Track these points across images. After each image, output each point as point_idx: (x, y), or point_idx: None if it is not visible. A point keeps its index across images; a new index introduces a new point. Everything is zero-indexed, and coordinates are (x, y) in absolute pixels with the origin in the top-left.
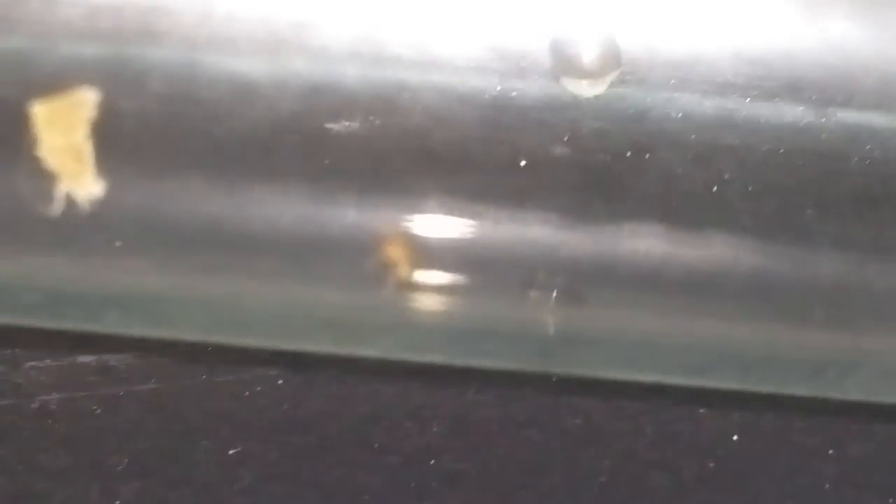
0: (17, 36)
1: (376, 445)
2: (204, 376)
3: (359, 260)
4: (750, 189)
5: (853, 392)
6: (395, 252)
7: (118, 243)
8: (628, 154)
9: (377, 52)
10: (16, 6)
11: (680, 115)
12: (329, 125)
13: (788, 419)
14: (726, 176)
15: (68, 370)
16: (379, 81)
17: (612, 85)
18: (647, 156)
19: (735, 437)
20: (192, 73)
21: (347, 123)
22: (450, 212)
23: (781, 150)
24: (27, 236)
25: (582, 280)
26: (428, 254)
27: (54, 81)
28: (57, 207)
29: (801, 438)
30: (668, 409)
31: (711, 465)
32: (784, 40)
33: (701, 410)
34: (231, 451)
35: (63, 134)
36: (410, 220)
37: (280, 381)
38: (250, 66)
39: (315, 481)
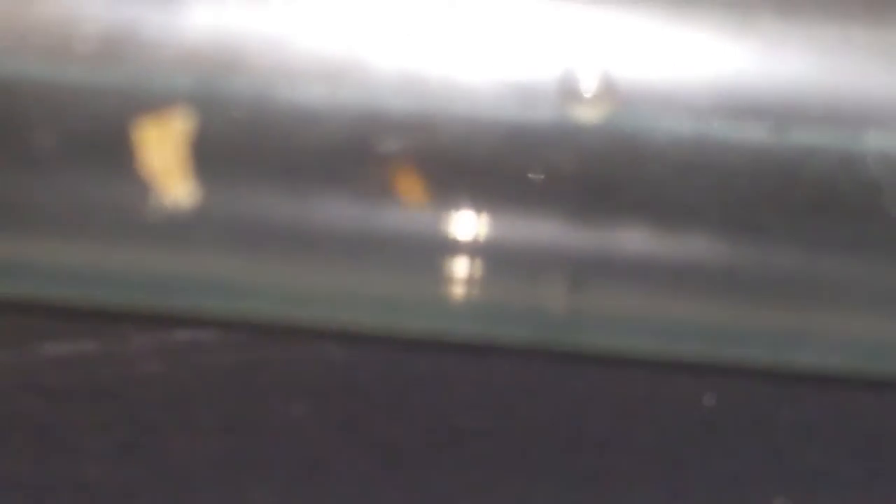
0: (126, 65)
1: (415, 406)
2: (276, 349)
3: (402, 254)
4: (720, 196)
5: (805, 360)
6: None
7: (210, 239)
8: (622, 168)
9: (415, 85)
10: (125, 41)
11: (664, 135)
12: (375, 144)
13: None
14: (701, 185)
15: (166, 343)
16: (417, 109)
17: (609, 112)
18: (637, 169)
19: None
20: (266, 99)
21: (390, 142)
22: (476, 214)
23: (745, 164)
24: (135, 237)
25: (583, 270)
26: (457, 249)
27: (156, 104)
28: (159, 212)
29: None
30: (653, 373)
31: (691, 424)
32: (747, 72)
33: (680, 378)
34: (296, 412)
35: (163, 150)
36: (444, 223)
37: (336, 354)
38: (311, 95)
39: (368, 437)
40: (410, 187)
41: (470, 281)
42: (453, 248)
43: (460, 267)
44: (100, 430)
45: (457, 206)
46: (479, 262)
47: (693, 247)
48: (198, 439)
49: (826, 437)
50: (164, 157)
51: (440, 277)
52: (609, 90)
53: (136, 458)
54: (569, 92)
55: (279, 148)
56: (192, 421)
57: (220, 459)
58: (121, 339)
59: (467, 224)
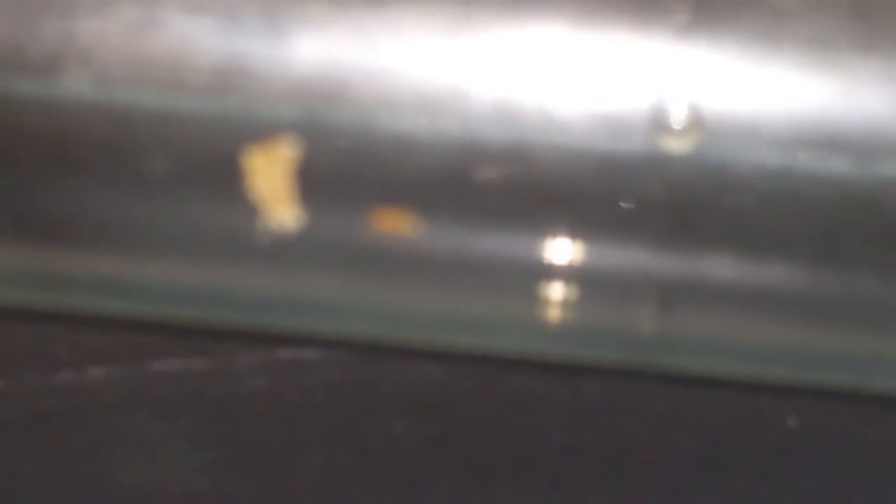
0: (235, 95)
1: (508, 423)
2: (377, 368)
3: (498, 278)
4: (803, 225)
5: (886, 383)
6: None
7: (314, 262)
8: (709, 196)
9: (512, 116)
10: (235, 72)
11: (749, 166)
12: (473, 173)
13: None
14: (785, 214)
15: (271, 361)
16: (513, 139)
17: (697, 143)
18: (724, 198)
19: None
20: (368, 128)
21: (488, 172)
22: (568, 240)
23: (828, 194)
24: (243, 259)
25: (671, 294)
26: (551, 273)
27: (263, 133)
28: (266, 235)
29: (863, 429)
30: (739, 394)
31: (770, 446)
32: (830, 105)
33: (764, 399)
34: (395, 429)
35: (270, 176)
36: (538, 249)
37: (433, 373)
38: (412, 124)
39: (463, 454)
40: (393, 222)
41: (563, 304)
42: (547, 272)
43: (554, 290)
44: (206, 443)
45: (550, 232)
46: (571, 286)
47: (777, 273)
48: (300, 454)
49: None
50: (271, 182)
51: (534, 300)
52: (697, 122)
53: (240, 471)
54: (658, 123)
55: (381, 175)
56: (295, 436)
57: (322, 474)
58: (228, 356)
59: (560, 249)
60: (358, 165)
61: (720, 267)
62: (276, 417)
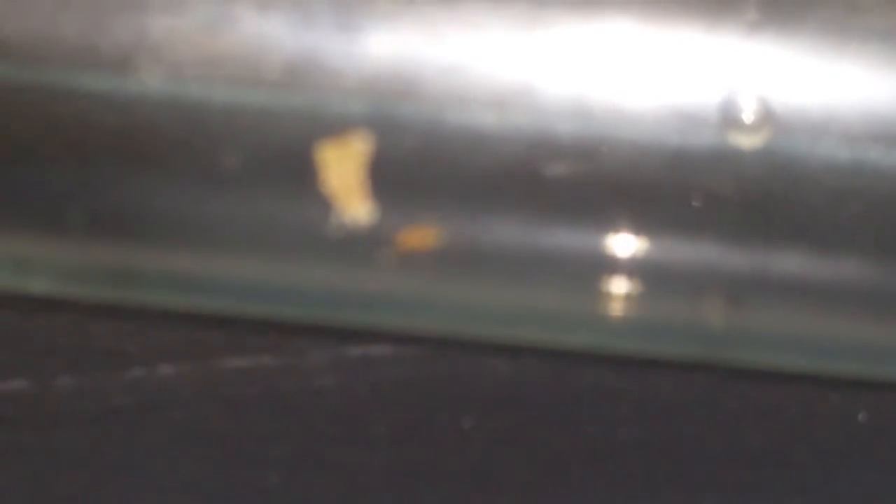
0: (308, 91)
1: (578, 419)
2: (446, 364)
3: (567, 273)
4: (873, 220)
5: None
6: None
7: (388, 257)
8: (779, 191)
9: (582, 111)
10: (307, 68)
11: (820, 161)
12: (543, 168)
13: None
14: (855, 209)
15: (341, 358)
16: (583, 134)
17: (767, 138)
18: (794, 193)
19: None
20: (439, 123)
21: (558, 167)
22: (639, 234)
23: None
24: (315, 254)
25: (742, 289)
26: (621, 268)
27: (336, 128)
28: (338, 230)
29: None
30: (809, 390)
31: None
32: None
33: (833, 395)
34: (465, 425)
35: (342, 171)
36: (607, 243)
37: (502, 368)
38: (482, 119)
39: (532, 449)
40: (421, 240)
41: (633, 298)
42: (617, 267)
43: (624, 285)
44: (277, 439)
45: (621, 227)
46: (641, 281)
47: (847, 268)
48: (370, 450)
49: None
50: (344, 177)
51: (604, 295)
52: (767, 117)
53: (310, 466)
54: (729, 119)
55: (451, 169)
56: (365, 432)
57: (391, 469)
58: (298, 353)
59: (631, 244)
60: (428, 160)
61: (790, 262)
62: (345, 413)
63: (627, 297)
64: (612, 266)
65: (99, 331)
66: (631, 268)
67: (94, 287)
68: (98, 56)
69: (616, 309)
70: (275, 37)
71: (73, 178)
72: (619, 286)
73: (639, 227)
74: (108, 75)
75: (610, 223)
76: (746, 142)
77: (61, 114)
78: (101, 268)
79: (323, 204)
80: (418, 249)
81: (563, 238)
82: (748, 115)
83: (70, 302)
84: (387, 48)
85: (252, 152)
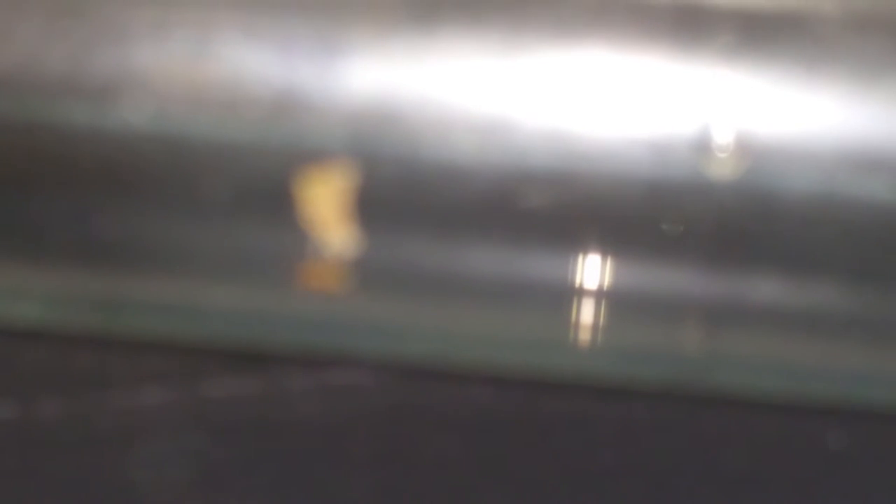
0: (290, 123)
1: (557, 445)
2: (427, 391)
3: (545, 301)
4: (847, 248)
5: None
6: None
7: (369, 286)
8: (754, 221)
9: (558, 142)
10: (289, 101)
11: (794, 191)
12: (521, 198)
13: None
14: (829, 237)
15: (325, 384)
16: (559, 165)
17: (742, 169)
18: (769, 222)
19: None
20: (419, 155)
21: (535, 196)
22: (615, 263)
23: (870, 218)
24: (299, 284)
25: (717, 316)
26: (597, 295)
27: (318, 160)
28: (324, 257)
29: None
30: (784, 416)
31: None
32: (872, 131)
33: (809, 421)
34: (446, 451)
35: (325, 203)
36: (584, 272)
37: (482, 395)
38: (461, 151)
39: (513, 474)
40: (324, 280)
41: (609, 325)
42: (593, 294)
43: (600, 312)
44: (260, 465)
45: (597, 255)
46: (618, 308)
47: (821, 295)
48: (352, 475)
49: None
50: (327, 209)
51: (581, 322)
52: (741, 147)
53: (294, 492)
54: (703, 149)
55: (432, 200)
56: (347, 458)
57: (375, 495)
58: (281, 380)
59: (607, 272)
60: (409, 190)
61: (764, 290)
62: (327, 440)
63: (604, 324)
64: (589, 294)
65: (83, 356)
66: (607, 296)
67: (78, 314)
68: (81, 87)
69: (592, 336)
70: (257, 69)
71: (57, 207)
72: (595, 314)
73: (615, 256)
74: (90, 106)
75: (586, 252)
76: (721, 172)
77: (43, 144)
78: (85, 295)
79: (306, 236)
80: (325, 287)
81: (540, 266)
82: (722, 146)
83: (55, 328)
84: (367, 80)
85: (234, 183)
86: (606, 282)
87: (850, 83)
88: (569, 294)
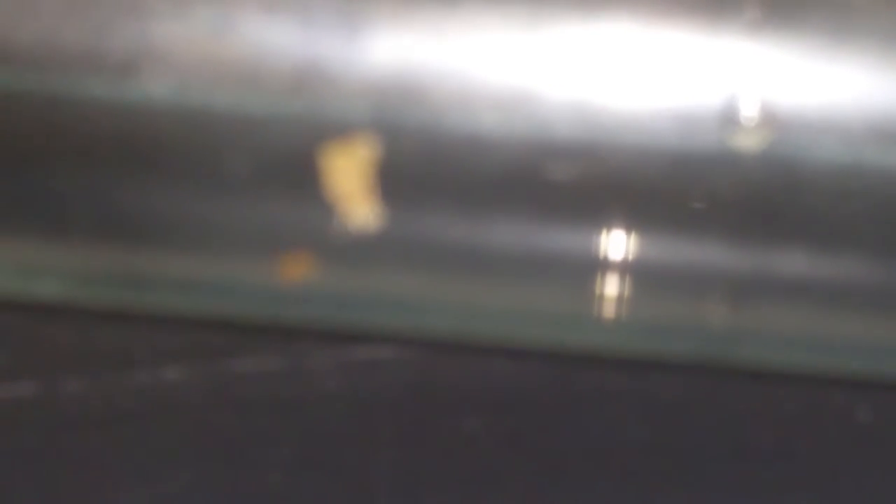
0: (312, 96)
1: (582, 420)
2: (450, 366)
3: (570, 275)
4: (873, 219)
5: None
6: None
7: (391, 260)
8: (780, 193)
9: (583, 114)
10: (311, 73)
11: (820, 162)
12: (545, 171)
13: None
14: (856, 209)
15: (346, 360)
16: (585, 137)
17: (768, 140)
18: (795, 194)
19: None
20: (443, 127)
21: (560, 169)
22: (641, 236)
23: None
24: (321, 258)
25: (743, 289)
26: (623, 269)
27: (341, 132)
28: (343, 234)
29: None
30: (811, 389)
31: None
32: (883, 93)
33: (836, 394)
34: (468, 427)
35: (348, 175)
36: (609, 245)
37: (506, 370)
38: (485, 123)
39: (535, 450)
40: (294, 269)
41: (635, 299)
42: (618, 268)
43: (626, 286)
44: (281, 442)
45: (623, 229)
46: (643, 282)
47: (847, 267)
48: (375, 452)
49: None
50: (349, 181)
51: (606, 296)
52: (767, 119)
53: (316, 469)
54: (729, 120)
55: (455, 173)
56: (370, 434)
57: (395, 472)
58: (303, 356)
59: (633, 245)
60: (432, 163)
61: (791, 262)
62: (350, 416)
63: (630, 298)
64: (615, 268)
65: (105, 334)
66: (633, 269)
67: (100, 291)
68: (102, 61)
69: (618, 310)
70: (278, 42)
71: (79, 183)
72: (621, 288)
73: (640, 229)
74: (111, 81)
75: (611, 225)
76: (747, 143)
77: (65, 119)
78: (107, 272)
79: (328, 209)
80: (295, 278)
81: (565, 240)
82: (748, 117)
83: (77, 305)
84: (389, 53)
85: (257, 157)
86: (631, 255)
87: (877, 53)
88: (593, 268)
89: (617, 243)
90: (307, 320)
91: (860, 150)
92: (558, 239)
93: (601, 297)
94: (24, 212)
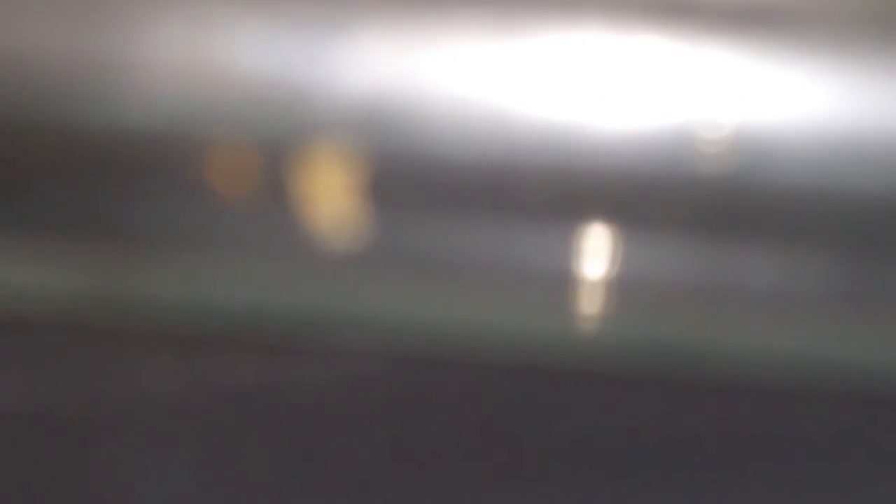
0: (285, 113)
1: (557, 427)
2: (432, 376)
3: (536, 286)
4: (837, 235)
5: None
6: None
7: (373, 272)
8: (748, 212)
9: (553, 134)
10: (293, 89)
11: (786, 181)
12: (513, 188)
13: None
14: (821, 227)
15: (331, 371)
16: (555, 157)
17: (735, 160)
18: (763, 213)
19: None
20: (419, 145)
21: (528, 185)
22: (608, 253)
23: (861, 207)
24: (305, 272)
25: (714, 303)
26: (595, 283)
27: (317, 149)
28: (328, 238)
29: None
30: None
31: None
32: (860, 120)
33: (800, 403)
34: (447, 435)
35: (328, 184)
36: (577, 260)
37: (486, 381)
38: (453, 141)
39: (512, 455)
40: (227, 179)
41: (610, 314)
42: (593, 281)
43: (597, 299)
44: (272, 450)
45: (589, 245)
46: (618, 294)
47: (812, 282)
48: (359, 460)
49: None
50: (332, 194)
51: (581, 309)
52: (737, 136)
53: (302, 477)
54: (699, 137)
55: (437, 186)
56: (354, 444)
57: (383, 468)
58: (288, 367)
59: (607, 258)
60: (416, 175)
61: (756, 277)
62: (334, 427)
63: (605, 313)
64: (589, 280)
65: (92, 346)
66: (607, 281)
67: (81, 306)
68: (78, 76)
69: (593, 324)
70: (261, 53)
71: (61, 198)
72: (593, 299)
73: (607, 245)
74: (83, 94)
75: (581, 240)
76: (714, 163)
77: (42, 137)
78: (93, 286)
79: (306, 223)
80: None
81: (533, 255)
82: (715, 137)
83: (59, 318)
84: (371, 66)
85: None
86: (606, 268)
87: (839, 75)
88: (558, 281)
89: (591, 256)
90: (290, 332)
91: (827, 168)
92: (525, 254)
93: (576, 309)
94: (6, 226)
